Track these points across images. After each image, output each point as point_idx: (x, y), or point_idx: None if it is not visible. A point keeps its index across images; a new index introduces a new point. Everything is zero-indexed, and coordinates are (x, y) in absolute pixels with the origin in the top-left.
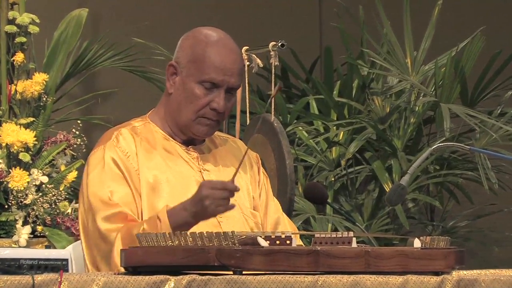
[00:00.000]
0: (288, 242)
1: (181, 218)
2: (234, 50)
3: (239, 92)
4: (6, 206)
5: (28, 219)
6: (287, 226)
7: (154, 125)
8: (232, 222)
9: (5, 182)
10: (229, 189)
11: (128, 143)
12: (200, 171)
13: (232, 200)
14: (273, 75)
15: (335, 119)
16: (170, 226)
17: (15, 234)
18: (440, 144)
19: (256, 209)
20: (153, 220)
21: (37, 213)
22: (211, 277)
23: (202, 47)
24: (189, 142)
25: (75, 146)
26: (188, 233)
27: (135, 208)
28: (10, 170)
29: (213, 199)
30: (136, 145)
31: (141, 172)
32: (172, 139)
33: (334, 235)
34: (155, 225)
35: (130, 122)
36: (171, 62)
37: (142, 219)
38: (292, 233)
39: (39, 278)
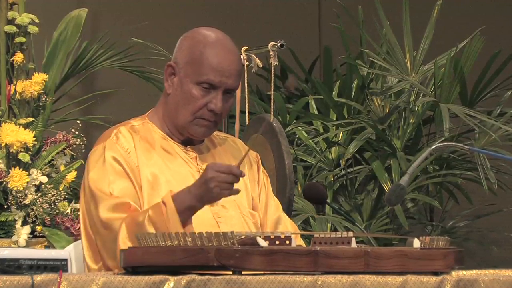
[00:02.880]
0: (287, 242)
1: (186, 201)
2: (232, 51)
3: (238, 92)
4: (5, 206)
5: (27, 219)
6: (287, 226)
7: (152, 125)
8: (230, 222)
9: (4, 182)
10: (234, 174)
11: (128, 140)
12: (199, 171)
13: (232, 201)
14: (272, 75)
15: (335, 119)
16: (176, 210)
17: (14, 234)
18: (440, 144)
19: (255, 209)
20: (157, 206)
21: (36, 213)
22: (210, 277)
23: (200, 48)
24: (187, 142)
25: (74, 146)
26: (188, 233)
27: (138, 200)
28: (9, 170)
29: (218, 182)
30: (135, 143)
31: (141, 170)
32: (170, 139)
33: (334, 235)
34: (160, 210)
35: (129, 121)
36: (169, 63)
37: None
38: (291, 233)
39: (38, 278)
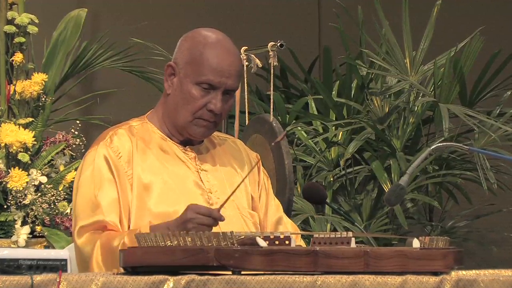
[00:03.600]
0: (287, 242)
1: None
2: (232, 52)
3: (238, 92)
4: (5, 206)
5: (27, 219)
6: (288, 227)
7: (152, 125)
8: (230, 223)
9: (4, 182)
10: (214, 217)
11: (123, 143)
12: (198, 171)
13: (231, 201)
14: (272, 75)
15: (334, 119)
16: None
17: (14, 234)
18: (439, 144)
19: (255, 210)
20: (133, 234)
21: (36, 213)
22: (210, 277)
23: (200, 49)
24: (186, 142)
25: (74, 146)
26: (187, 233)
27: (119, 213)
28: (9, 170)
29: (196, 223)
30: (132, 145)
31: (135, 172)
32: (169, 139)
33: (333, 235)
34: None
35: (128, 122)
36: (170, 63)
37: (129, 220)
38: (291, 233)
39: (38, 278)
